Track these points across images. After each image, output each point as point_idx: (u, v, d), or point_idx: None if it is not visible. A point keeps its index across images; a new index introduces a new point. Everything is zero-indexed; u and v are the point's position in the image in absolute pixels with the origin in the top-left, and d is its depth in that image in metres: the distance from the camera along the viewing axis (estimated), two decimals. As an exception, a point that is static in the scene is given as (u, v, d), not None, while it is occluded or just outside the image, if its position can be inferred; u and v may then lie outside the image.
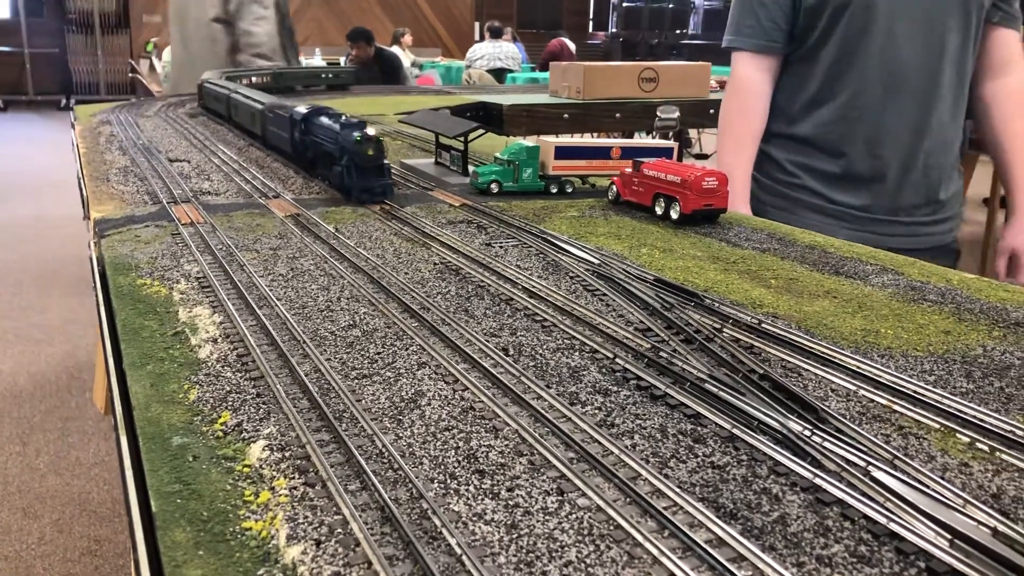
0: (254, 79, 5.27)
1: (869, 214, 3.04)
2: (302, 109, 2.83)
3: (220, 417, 1.20)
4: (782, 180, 3.19)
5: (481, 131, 2.90)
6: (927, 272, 1.98)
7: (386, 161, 2.49)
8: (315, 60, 12.08)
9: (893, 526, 0.94)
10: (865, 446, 1.11)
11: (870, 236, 2.88)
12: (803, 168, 3.13)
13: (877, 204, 3.04)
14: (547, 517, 0.96)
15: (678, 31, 21.46)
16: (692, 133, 11.18)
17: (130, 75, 16.57)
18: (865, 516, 0.97)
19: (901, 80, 2.92)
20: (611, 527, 0.94)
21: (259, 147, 3.57)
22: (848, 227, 3.01)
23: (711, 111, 4.77)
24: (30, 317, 6.49)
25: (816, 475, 1.04)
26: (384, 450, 1.10)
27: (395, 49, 11.42)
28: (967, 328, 1.61)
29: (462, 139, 2.87)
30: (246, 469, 1.07)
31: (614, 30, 22.64)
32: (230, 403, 1.25)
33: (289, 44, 6.91)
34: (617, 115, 4.48)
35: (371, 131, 2.42)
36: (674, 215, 2.35)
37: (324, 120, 2.68)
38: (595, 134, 4.68)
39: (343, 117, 2.54)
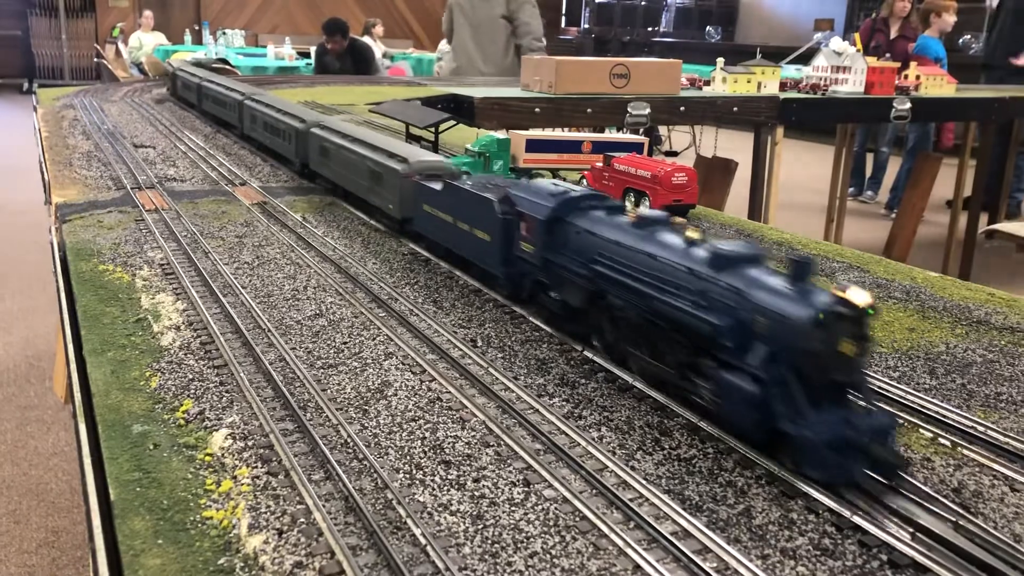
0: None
1: None
2: (547, 201, 1.41)
3: (182, 405, 1.18)
4: None
5: (452, 122, 2.89)
6: (892, 270, 2.00)
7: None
8: (285, 49, 11.95)
9: (856, 519, 0.95)
10: (830, 440, 1.12)
11: None
12: None
13: None
14: (513, 508, 0.96)
15: (650, 28, 21.56)
16: (662, 130, 11.22)
17: (95, 60, 16.29)
18: (829, 509, 0.97)
19: None
20: (577, 518, 0.94)
21: (227, 134, 3.52)
22: None
23: (681, 108, 4.78)
24: (-12, 304, 6.36)
25: (781, 468, 1.05)
26: (349, 440, 1.09)
27: (366, 39, 11.32)
28: (931, 325, 1.63)
29: (433, 130, 2.85)
30: (208, 458, 1.05)
31: (586, 26, 22.68)
32: (192, 391, 1.23)
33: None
34: (588, 110, 4.49)
35: (858, 295, 1.07)
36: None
37: (663, 236, 1.25)
38: (566, 128, 4.68)
39: (722, 246, 1.17)
